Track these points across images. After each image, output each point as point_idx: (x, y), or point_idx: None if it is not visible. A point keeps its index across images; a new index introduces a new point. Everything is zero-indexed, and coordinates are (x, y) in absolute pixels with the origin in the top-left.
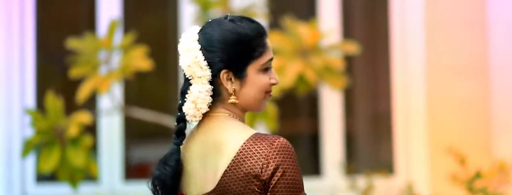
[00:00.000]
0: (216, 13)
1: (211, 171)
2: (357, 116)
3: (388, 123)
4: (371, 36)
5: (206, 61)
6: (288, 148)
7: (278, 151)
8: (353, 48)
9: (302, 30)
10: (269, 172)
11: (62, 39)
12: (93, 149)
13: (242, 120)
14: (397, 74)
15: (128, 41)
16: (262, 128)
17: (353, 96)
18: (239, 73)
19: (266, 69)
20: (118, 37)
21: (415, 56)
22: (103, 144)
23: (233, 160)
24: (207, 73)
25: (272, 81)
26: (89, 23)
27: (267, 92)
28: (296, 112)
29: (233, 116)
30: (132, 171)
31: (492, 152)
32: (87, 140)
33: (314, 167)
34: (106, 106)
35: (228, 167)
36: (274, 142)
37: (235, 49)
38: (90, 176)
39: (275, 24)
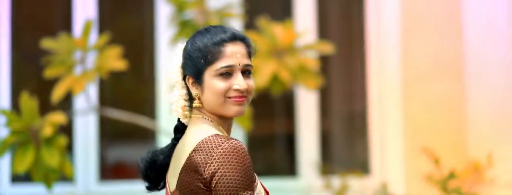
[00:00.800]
0: (191, 14)
1: (177, 169)
2: (333, 117)
3: (364, 123)
4: (346, 36)
5: (181, 68)
6: (233, 152)
7: (221, 154)
8: (328, 48)
9: (277, 30)
10: (209, 173)
11: (37, 39)
12: (69, 150)
13: (219, 123)
14: (373, 74)
15: (103, 41)
16: (237, 129)
17: (328, 96)
18: (197, 79)
19: (223, 75)
20: (94, 38)
21: (390, 56)
22: (78, 145)
23: (188, 157)
24: (180, 79)
25: (235, 86)
26: (64, 23)
27: (229, 97)
28: (271, 113)
29: (206, 118)
30: (108, 172)
31: (467, 153)
32: (61, 140)
33: (289, 167)
34: (82, 107)
35: (184, 164)
36: (221, 144)
37: (193, 56)
38: (65, 177)
39: (250, 25)
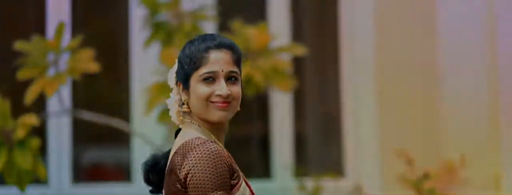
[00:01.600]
0: (165, 16)
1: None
2: (307, 119)
3: (338, 125)
4: (320, 38)
5: (175, 74)
6: (205, 153)
7: (195, 156)
8: (301, 50)
9: (250, 32)
10: (183, 174)
11: (10, 41)
12: (42, 152)
13: (208, 128)
14: (347, 76)
15: (75, 43)
16: None
17: (302, 98)
18: (185, 84)
19: (207, 80)
20: (68, 40)
21: (364, 57)
22: (52, 147)
23: (170, 160)
24: (174, 85)
25: (216, 92)
26: (37, 25)
27: (212, 101)
28: (245, 115)
29: (194, 123)
30: (82, 174)
31: (441, 154)
32: (34, 142)
33: (264, 170)
34: (55, 109)
35: (167, 167)
36: (196, 147)
37: (182, 63)
38: (38, 179)
39: (225, 27)
